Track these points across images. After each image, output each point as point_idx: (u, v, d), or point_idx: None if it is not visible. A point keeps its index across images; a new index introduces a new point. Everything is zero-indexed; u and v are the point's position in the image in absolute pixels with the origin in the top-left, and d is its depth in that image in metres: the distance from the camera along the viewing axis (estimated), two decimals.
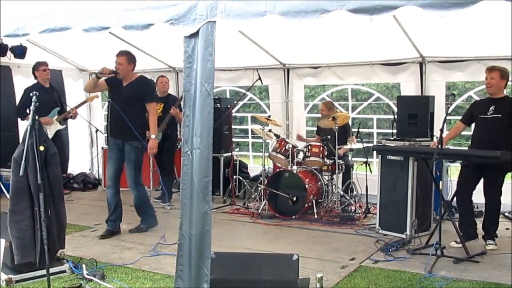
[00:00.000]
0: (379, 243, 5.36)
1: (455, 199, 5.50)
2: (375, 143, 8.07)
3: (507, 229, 5.84)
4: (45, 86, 7.00)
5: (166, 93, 7.51)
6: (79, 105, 7.31)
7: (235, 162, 7.78)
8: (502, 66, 5.30)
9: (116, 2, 3.83)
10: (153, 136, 5.66)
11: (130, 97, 5.50)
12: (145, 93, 5.73)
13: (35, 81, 7.02)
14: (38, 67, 7.02)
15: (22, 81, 8.47)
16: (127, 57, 5.52)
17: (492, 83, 5.12)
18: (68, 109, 7.29)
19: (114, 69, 5.49)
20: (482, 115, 5.22)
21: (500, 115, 5.07)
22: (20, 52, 7.41)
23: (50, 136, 6.83)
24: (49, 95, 7.01)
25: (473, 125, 5.49)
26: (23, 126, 4.37)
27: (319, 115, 7.71)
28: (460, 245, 4.97)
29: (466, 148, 5.94)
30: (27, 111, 6.61)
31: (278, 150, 6.96)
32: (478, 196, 5.40)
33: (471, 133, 5.64)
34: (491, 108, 5.15)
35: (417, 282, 4.19)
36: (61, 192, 4.34)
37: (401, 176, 5.61)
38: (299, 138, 7.76)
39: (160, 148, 7.28)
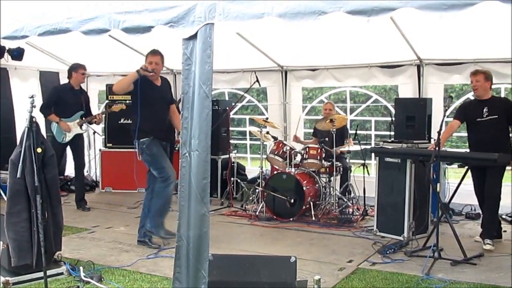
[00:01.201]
0: (376, 245, 5.36)
1: (452, 201, 5.52)
2: (373, 145, 8.07)
3: (505, 231, 5.84)
4: (75, 88, 7.02)
5: None
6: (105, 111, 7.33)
7: (232, 164, 7.77)
8: (486, 69, 5.51)
9: (116, 2, 3.82)
10: None
11: (166, 97, 5.47)
12: (171, 93, 5.74)
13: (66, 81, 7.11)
14: (78, 69, 7.04)
15: (19, 84, 8.47)
16: (162, 57, 5.36)
17: (478, 86, 5.32)
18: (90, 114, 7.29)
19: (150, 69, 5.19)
20: (479, 118, 5.31)
21: (497, 116, 5.21)
22: (17, 54, 7.37)
23: (68, 139, 6.94)
24: (77, 97, 7.05)
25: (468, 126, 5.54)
26: (21, 128, 4.35)
27: (317, 117, 7.70)
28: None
29: (464, 151, 5.96)
30: (52, 109, 6.69)
31: (275, 152, 6.96)
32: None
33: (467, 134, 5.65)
34: (484, 110, 5.28)
35: (415, 284, 4.20)
36: (58, 194, 4.34)
37: (399, 178, 5.61)
38: (296, 139, 7.75)
39: None
